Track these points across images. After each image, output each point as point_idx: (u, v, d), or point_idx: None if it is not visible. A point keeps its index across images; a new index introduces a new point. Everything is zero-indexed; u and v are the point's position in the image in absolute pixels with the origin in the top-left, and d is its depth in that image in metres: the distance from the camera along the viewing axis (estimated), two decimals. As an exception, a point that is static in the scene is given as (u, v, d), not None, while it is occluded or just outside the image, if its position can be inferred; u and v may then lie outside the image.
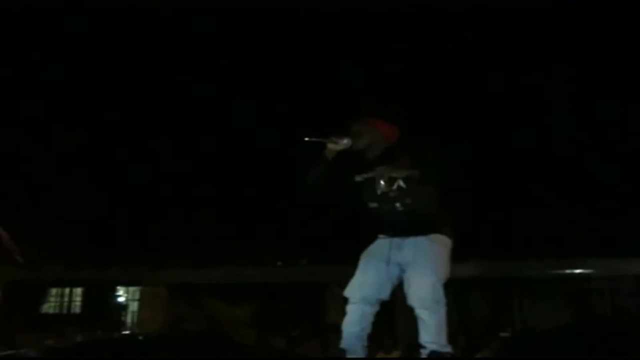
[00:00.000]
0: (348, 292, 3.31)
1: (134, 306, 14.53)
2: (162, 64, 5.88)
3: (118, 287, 14.30)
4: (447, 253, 3.24)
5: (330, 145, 3.36)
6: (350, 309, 3.29)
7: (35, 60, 5.75)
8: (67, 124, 6.42)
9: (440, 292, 3.12)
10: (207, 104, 6.25)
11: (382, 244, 3.34)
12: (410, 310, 3.19)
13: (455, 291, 3.33)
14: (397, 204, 3.28)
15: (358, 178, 3.42)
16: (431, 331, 3.09)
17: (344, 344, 3.24)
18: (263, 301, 11.58)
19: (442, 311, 3.11)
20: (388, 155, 3.33)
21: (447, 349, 3.10)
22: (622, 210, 8.41)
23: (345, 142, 3.36)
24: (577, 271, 11.39)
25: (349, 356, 3.20)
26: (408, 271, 3.18)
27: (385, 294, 3.28)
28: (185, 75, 6.03)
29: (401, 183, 3.24)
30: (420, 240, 3.21)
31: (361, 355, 3.23)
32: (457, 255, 3.33)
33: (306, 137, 3.32)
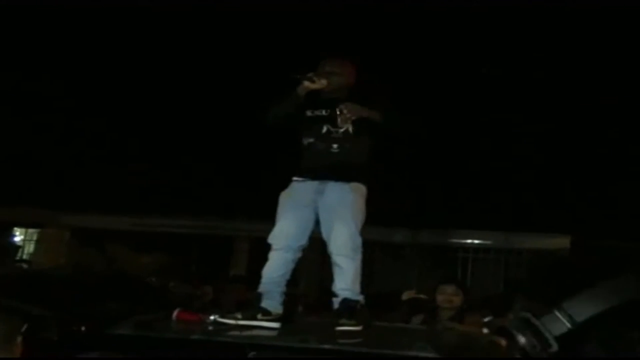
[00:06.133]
0: (271, 239, 3.32)
1: (30, 248, 13.85)
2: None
3: (14, 228, 13.57)
4: (364, 202, 3.29)
5: (306, 83, 3.31)
6: (272, 255, 3.30)
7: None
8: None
9: (359, 240, 3.18)
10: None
11: (302, 187, 3.34)
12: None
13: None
14: (335, 145, 3.29)
15: (309, 113, 3.40)
16: (347, 279, 3.15)
17: (262, 288, 3.25)
18: (171, 251, 11.39)
19: (359, 259, 3.18)
20: (346, 97, 3.31)
21: (360, 297, 3.18)
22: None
23: (323, 81, 3.30)
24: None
25: (265, 300, 3.23)
26: (328, 218, 3.21)
27: (306, 240, 3.32)
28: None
29: (350, 127, 3.25)
30: (342, 187, 3.24)
31: (278, 300, 3.27)
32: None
33: (293, 74, 3.26)
